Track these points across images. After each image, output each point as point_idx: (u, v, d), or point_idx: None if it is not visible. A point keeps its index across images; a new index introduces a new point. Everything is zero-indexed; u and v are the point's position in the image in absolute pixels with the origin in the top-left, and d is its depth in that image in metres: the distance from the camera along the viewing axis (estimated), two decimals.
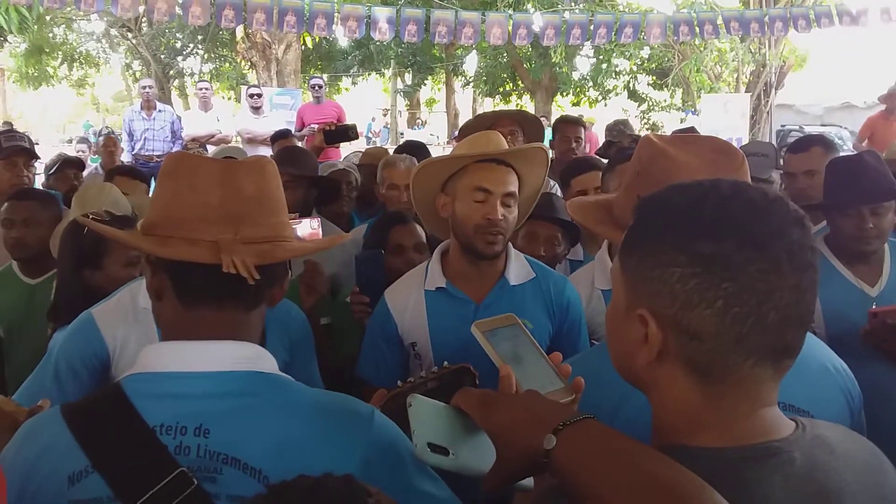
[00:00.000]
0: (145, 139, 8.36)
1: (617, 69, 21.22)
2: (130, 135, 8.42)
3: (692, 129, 5.68)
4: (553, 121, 6.04)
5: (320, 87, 8.85)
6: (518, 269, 2.25)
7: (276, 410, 1.16)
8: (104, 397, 1.20)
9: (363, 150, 5.42)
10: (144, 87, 8.78)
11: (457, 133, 5.48)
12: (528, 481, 1.03)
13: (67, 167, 4.97)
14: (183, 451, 1.12)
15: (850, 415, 1.42)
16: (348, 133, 5.27)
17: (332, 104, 9.18)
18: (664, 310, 0.90)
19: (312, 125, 7.66)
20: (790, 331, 0.89)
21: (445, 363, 1.47)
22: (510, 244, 2.24)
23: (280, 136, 6.03)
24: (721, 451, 0.89)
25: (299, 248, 1.33)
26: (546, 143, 5.22)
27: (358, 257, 2.60)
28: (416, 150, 4.30)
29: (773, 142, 13.71)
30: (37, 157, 4.24)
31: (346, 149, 7.43)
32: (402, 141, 7.99)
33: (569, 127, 4.97)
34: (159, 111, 8.53)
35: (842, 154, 3.20)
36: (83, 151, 11.17)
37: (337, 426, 1.18)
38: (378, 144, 20.15)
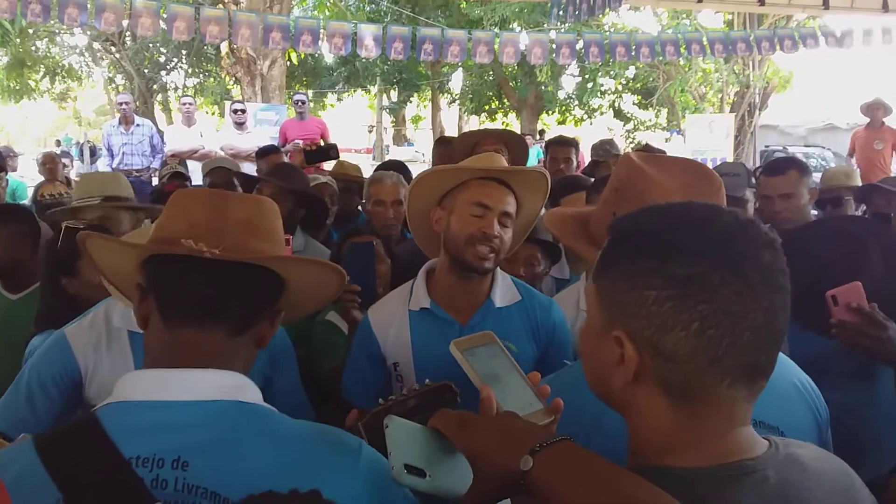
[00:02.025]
0: (123, 153, 8.28)
1: (602, 88, 21.35)
2: (110, 150, 8.31)
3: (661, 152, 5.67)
4: (539, 138, 6.05)
5: (304, 102, 8.78)
6: (504, 290, 2.21)
7: (258, 442, 1.12)
8: (78, 427, 1.15)
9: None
10: (121, 104, 8.69)
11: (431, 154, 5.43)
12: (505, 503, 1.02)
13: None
14: (160, 484, 1.07)
15: (818, 431, 1.43)
16: (329, 153, 5.25)
17: (315, 121, 9.11)
18: (640, 332, 0.92)
19: (297, 141, 7.57)
20: (764, 351, 0.91)
21: (427, 381, 1.45)
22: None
23: (268, 152, 5.92)
24: (696, 470, 0.90)
25: (270, 258, 1.25)
26: (535, 162, 5.17)
27: (349, 247, 2.56)
28: (397, 169, 4.22)
29: (758, 162, 13.77)
30: (4, 170, 4.16)
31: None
32: (387, 157, 7.94)
33: (558, 148, 5.01)
34: (137, 125, 8.45)
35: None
36: (65, 165, 11.06)
37: (323, 459, 1.14)
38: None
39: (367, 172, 5.01)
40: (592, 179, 3.70)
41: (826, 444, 1.42)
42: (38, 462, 1.10)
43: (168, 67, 22.31)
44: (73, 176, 10.68)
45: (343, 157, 5.32)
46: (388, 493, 1.15)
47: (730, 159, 12.26)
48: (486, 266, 2.09)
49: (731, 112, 15.18)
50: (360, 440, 1.22)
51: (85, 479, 1.08)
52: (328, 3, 17.09)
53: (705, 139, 13.15)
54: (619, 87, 21.92)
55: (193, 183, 5.66)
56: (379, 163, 5.00)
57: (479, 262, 2.07)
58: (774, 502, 0.89)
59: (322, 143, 5.38)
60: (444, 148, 4.76)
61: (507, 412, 1.07)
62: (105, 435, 1.10)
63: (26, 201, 8.04)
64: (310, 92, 26.38)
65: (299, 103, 8.78)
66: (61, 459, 1.10)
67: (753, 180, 3.83)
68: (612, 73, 19.19)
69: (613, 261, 0.97)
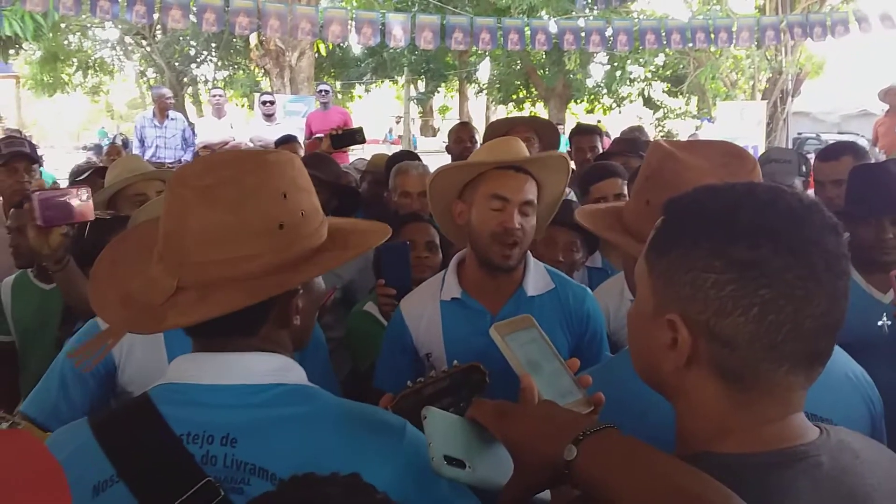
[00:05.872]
0: (156, 146, 8.33)
1: (631, 76, 21.15)
2: (142, 141, 8.39)
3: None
4: (566, 128, 5.97)
5: (327, 92, 8.79)
6: (536, 279, 2.18)
7: (305, 422, 1.14)
8: (131, 406, 1.19)
9: (369, 157, 5.35)
10: (162, 97, 8.71)
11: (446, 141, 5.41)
12: (546, 495, 1.01)
13: (98, 177, 4.87)
14: (210, 460, 1.09)
15: (872, 422, 1.41)
16: (355, 137, 5.21)
17: (337, 110, 9.11)
18: (696, 315, 0.88)
19: (318, 135, 7.58)
20: (824, 338, 0.88)
21: (455, 362, 1.43)
22: (529, 253, 2.18)
23: (284, 142, 5.94)
24: (749, 456, 0.88)
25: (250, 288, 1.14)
26: (562, 150, 5.11)
27: (381, 248, 2.51)
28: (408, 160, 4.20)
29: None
30: (38, 162, 4.19)
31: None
32: (415, 148, 7.91)
33: (584, 137, 4.91)
34: (172, 119, 8.50)
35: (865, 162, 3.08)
36: (90, 159, 11.19)
37: (367, 438, 1.15)
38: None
39: None
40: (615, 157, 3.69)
41: (880, 436, 1.40)
42: (93, 440, 1.13)
43: (198, 60, 22.53)
44: None
45: (372, 149, 5.32)
46: (432, 473, 1.16)
47: (762, 147, 12.08)
48: (510, 263, 2.07)
49: (762, 99, 14.94)
50: (404, 420, 1.22)
51: (137, 455, 1.11)
52: None
53: (737, 127, 12.97)
54: (649, 75, 21.71)
55: None
56: (379, 154, 4.96)
57: (504, 261, 2.06)
58: (828, 488, 0.87)
59: (348, 128, 5.35)
60: (461, 131, 4.78)
61: (547, 401, 1.05)
62: (157, 413, 1.13)
63: None
64: (338, 83, 26.52)
65: (323, 93, 8.80)
66: (114, 436, 1.13)
67: (804, 168, 3.77)
68: (641, 60, 19.00)
69: (669, 241, 0.93)
